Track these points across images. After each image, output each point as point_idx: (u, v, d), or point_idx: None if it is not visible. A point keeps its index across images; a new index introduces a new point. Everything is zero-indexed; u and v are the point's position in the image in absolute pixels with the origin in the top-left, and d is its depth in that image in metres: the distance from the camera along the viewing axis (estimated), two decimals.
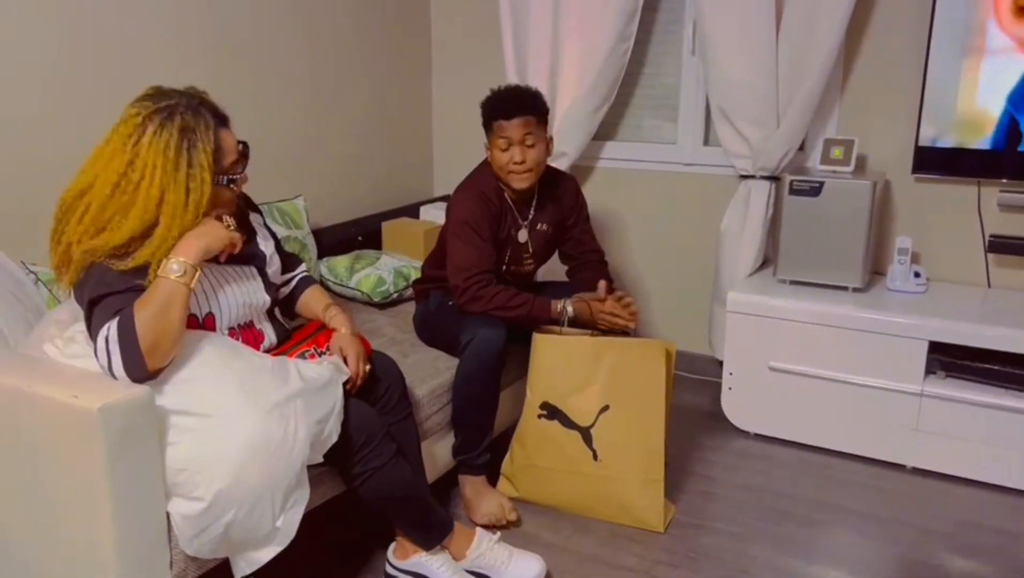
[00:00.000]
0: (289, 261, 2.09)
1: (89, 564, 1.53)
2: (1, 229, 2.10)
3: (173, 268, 1.56)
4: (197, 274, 1.60)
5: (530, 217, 2.51)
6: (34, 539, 1.61)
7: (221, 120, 1.70)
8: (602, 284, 2.45)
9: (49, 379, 1.54)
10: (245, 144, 1.76)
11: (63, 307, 1.79)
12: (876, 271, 3.05)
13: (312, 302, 2.06)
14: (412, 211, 3.59)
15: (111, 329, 1.52)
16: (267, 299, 1.88)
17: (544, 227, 2.55)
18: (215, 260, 1.75)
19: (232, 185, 1.73)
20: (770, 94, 2.94)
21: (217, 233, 1.65)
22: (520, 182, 2.37)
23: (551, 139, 2.46)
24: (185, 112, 1.61)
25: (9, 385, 1.55)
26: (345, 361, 1.88)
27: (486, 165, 2.47)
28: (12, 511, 1.62)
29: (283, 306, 2.06)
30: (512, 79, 3.35)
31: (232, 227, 1.72)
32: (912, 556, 2.24)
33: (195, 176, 1.60)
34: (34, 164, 2.26)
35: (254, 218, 1.96)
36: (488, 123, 2.38)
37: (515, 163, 2.34)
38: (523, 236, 2.51)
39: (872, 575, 2.16)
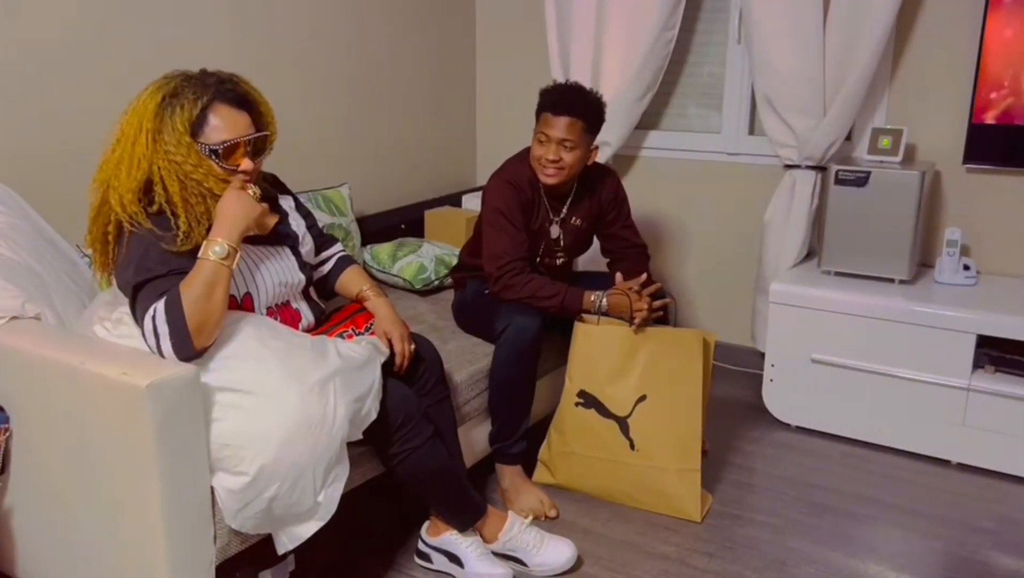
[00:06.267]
0: (323, 240, 2.12)
1: (138, 536, 1.58)
2: (58, 214, 2.18)
3: (216, 250, 1.62)
4: (238, 255, 1.65)
5: (563, 212, 2.50)
6: (86, 510, 1.67)
7: (233, 99, 1.71)
8: (618, 276, 2.44)
9: (100, 357, 1.60)
10: (263, 136, 1.76)
11: (112, 290, 1.84)
12: (924, 263, 2.99)
13: (351, 284, 2.09)
14: (455, 200, 3.62)
15: (158, 310, 1.57)
16: (302, 278, 1.92)
17: (578, 221, 2.53)
18: (252, 237, 1.79)
19: (214, 156, 1.69)
20: (817, 83, 2.90)
21: (253, 210, 1.69)
22: (548, 179, 2.36)
23: (596, 148, 2.42)
24: (184, 83, 1.67)
25: (63, 362, 1.61)
26: (390, 344, 1.92)
27: (524, 154, 2.47)
28: (66, 483, 1.68)
29: (321, 285, 2.10)
30: (556, 67, 3.36)
31: (256, 195, 1.74)
32: (955, 552, 2.20)
33: (173, 140, 1.64)
34: (90, 152, 2.33)
35: (284, 200, 1.99)
36: (538, 112, 2.37)
37: (548, 160, 2.33)
38: (555, 231, 2.50)
39: (914, 570, 2.13)
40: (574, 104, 2.30)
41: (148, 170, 1.64)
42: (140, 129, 1.64)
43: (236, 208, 1.67)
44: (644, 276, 2.42)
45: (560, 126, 2.29)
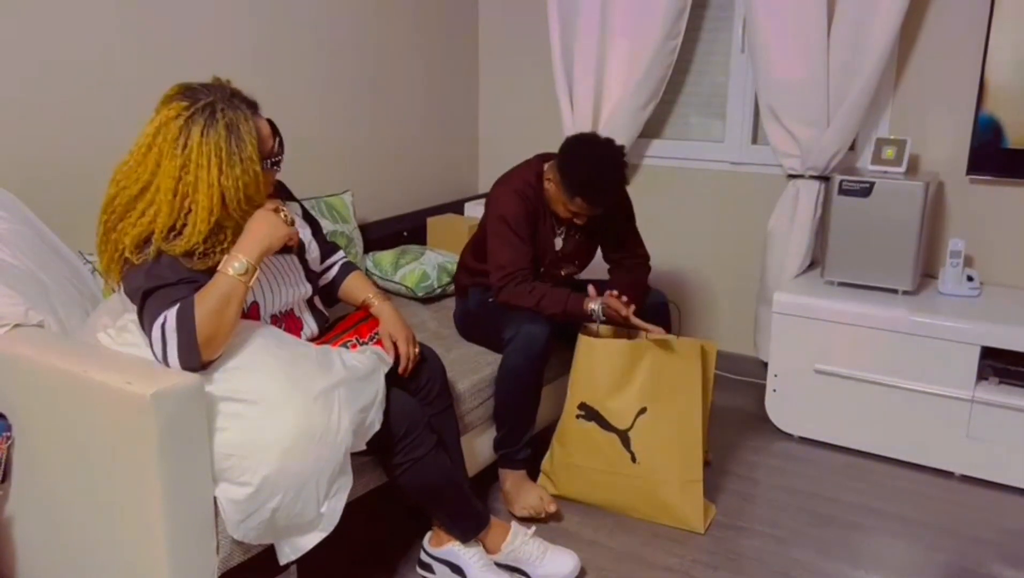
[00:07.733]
0: (327, 247, 2.12)
1: (140, 545, 1.57)
2: (61, 220, 2.17)
3: (235, 266, 1.61)
4: (257, 273, 1.65)
5: (565, 225, 2.50)
6: (88, 519, 1.66)
7: (253, 107, 1.72)
8: (590, 289, 2.41)
9: (104, 365, 1.59)
10: (272, 122, 1.79)
11: (116, 297, 1.83)
12: (927, 274, 2.99)
13: (354, 289, 2.09)
14: (457, 207, 3.62)
15: (168, 318, 1.56)
16: (308, 287, 1.92)
17: (578, 235, 2.52)
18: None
19: (275, 167, 1.78)
20: (821, 92, 2.90)
21: (279, 231, 1.69)
22: (566, 222, 2.43)
23: None
24: (225, 108, 1.64)
25: (66, 371, 1.60)
26: (395, 347, 1.93)
27: (532, 164, 2.45)
28: (68, 492, 1.68)
29: (325, 292, 2.09)
30: (559, 76, 3.35)
31: (290, 220, 1.75)
32: (959, 564, 2.20)
33: (248, 169, 1.64)
34: (92, 158, 2.33)
35: (291, 207, 1.99)
36: (573, 191, 2.27)
37: (575, 220, 2.38)
38: (559, 244, 2.49)
39: None
40: (611, 201, 2.33)
41: (222, 200, 1.63)
42: (211, 163, 1.61)
43: (264, 228, 1.67)
44: (616, 292, 2.40)
45: (594, 211, 2.34)
